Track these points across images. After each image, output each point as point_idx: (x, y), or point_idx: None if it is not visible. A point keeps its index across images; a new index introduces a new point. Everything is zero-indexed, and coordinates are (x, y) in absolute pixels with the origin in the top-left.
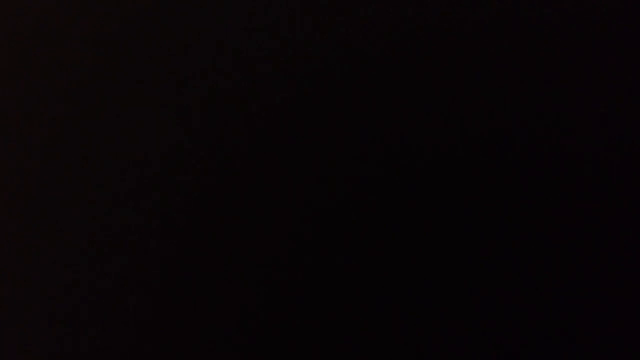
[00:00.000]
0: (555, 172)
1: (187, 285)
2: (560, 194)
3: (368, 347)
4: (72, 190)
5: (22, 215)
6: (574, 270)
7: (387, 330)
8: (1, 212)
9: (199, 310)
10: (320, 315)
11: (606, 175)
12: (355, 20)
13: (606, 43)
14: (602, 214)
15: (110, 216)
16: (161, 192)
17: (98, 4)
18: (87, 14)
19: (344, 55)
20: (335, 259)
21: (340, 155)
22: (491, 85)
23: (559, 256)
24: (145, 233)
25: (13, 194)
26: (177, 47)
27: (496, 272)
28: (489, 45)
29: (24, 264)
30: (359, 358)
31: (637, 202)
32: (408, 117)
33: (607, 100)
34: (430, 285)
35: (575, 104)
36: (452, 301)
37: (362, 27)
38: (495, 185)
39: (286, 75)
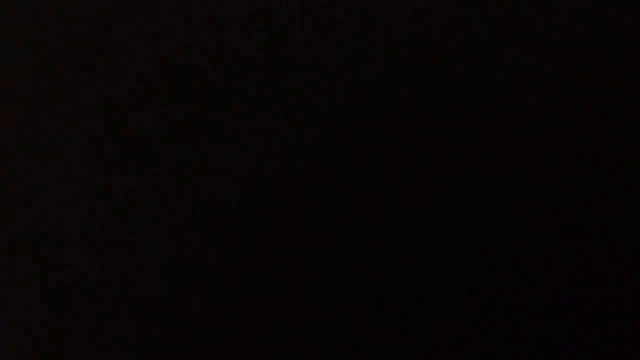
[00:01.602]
0: (554, 171)
1: (187, 285)
2: (559, 194)
3: (368, 348)
4: (72, 190)
5: (22, 215)
6: (573, 270)
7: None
8: (1, 211)
9: (199, 311)
10: (320, 315)
11: (606, 176)
12: (356, 20)
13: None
14: (602, 214)
15: (110, 216)
16: (161, 192)
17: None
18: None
19: (345, 55)
20: (334, 258)
21: (341, 155)
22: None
23: (559, 257)
24: (145, 233)
25: (13, 194)
26: (176, 48)
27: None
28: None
29: (24, 264)
30: (360, 358)
31: (637, 202)
32: (408, 116)
33: (607, 102)
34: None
35: (574, 105)
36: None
37: (362, 28)
38: (494, 185)
39: (286, 75)
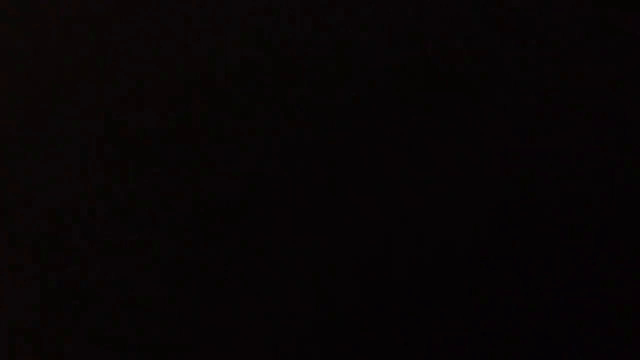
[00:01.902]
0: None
1: (187, 285)
2: (559, 195)
3: (368, 348)
4: (72, 190)
5: (22, 215)
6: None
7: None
8: (1, 211)
9: (199, 311)
10: (320, 315)
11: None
12: (356, 20)
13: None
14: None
15: (110, 216)
16: (161, 192)
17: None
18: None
19: (345, 55)
20: (334, 258)
21: (341, 155)
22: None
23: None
24: (146, 233)
25: (13, 194)
26: (176, 47)
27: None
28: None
29: (24, 264)
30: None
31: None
32: (409, 116)
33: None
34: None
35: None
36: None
37: (362, 29)
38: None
39: (286, 75)
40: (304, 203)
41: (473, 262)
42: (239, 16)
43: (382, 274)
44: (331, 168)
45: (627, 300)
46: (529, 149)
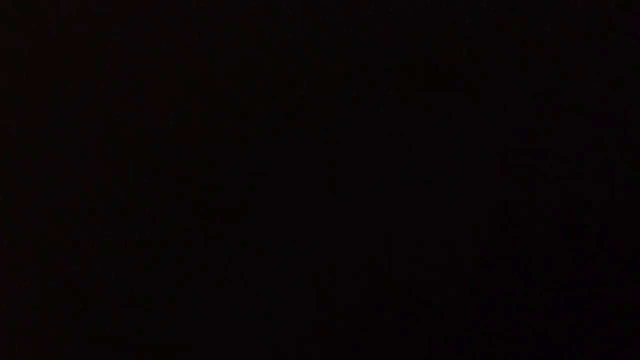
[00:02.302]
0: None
1: (187, 285)
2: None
3: (368, 348)
4: (72, 190)
5: (22, 215)
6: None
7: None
8: (1, 211)
9: (199, 311)
10: (320, 315)
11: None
12: (356, 20)
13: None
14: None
15: (110, 216)
16: (161, 192)
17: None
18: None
19: (345, 55)
20: (334, 258)
21: (341, 155)
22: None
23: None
24: (146, 233)
25: (13, 194)
26: (176, 47)
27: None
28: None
29: (24, 264)
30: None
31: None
32: (409, 116)
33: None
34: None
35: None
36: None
37: (362, 28)
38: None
39: (286, 76)
40: (304, 203)
41: (473, 262)
42: (239, 16)
43: (382, 274)
44: (331, 168)
45: (627, 300)
46: (529, 149)
